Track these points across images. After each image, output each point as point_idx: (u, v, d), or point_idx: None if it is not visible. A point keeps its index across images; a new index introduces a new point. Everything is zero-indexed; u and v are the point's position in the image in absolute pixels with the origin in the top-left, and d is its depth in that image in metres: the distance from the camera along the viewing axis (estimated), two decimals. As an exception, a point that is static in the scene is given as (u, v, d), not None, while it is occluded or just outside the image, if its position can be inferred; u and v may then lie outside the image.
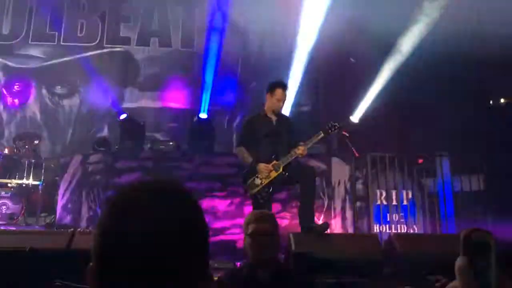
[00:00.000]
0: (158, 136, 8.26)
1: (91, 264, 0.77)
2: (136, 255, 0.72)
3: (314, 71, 8.14)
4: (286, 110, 4.79)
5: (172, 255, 0.73)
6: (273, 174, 4.38)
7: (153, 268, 0.72)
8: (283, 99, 4.59)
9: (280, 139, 4.60)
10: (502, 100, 7.92)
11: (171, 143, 7.38)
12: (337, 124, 4.50)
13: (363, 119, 7.67)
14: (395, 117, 7.56)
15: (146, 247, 0.72)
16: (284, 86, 4.60)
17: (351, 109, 7.79)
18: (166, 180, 0.83)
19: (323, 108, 8.12)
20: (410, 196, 7.41)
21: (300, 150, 4.32)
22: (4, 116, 8.35)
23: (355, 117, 7.68)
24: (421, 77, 7.54)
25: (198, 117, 8.02)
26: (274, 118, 4.67)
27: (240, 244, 6.23)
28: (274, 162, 4.40)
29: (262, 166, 4.38)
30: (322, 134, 4.45)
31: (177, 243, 0.74)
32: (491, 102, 7.99)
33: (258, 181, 4.41)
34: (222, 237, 6.47)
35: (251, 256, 2.51)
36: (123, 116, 7.77)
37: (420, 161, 7.63)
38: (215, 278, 2.58)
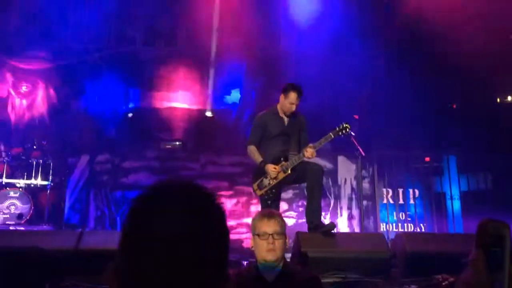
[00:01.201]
0: (165, 136, 8.29)
1: (112, 263, 0.78)
2: (161, 256, 0.73)
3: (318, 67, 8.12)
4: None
5: (196, 257, 0.75)
6: (281, 176, 4.39)
7: (177, 269, 0.73)
8: (296, 104, 4.56)
9: (290, 139, 4.59)
10: (509, 98, 7.87)
11: (177, 143, 7.41)
12: (348, 126, 4.46)
13: (369, 117, 7.65)
14: (402, 116, 7.53)
15: (171, 249, 0.74)
16: (299, 91, 4.53)
17: (355, 107, 7.77)
18: (191, 183, 0.84)
19: (328, 105, 8.10)
20: (417, 195, 7.39)
21: (309, 152, 4.31)
22: (13, 117, 8.41)
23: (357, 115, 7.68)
24: (429, 75, 7.51)
25: (204, 116, 8.04)
26: (286, 118, 4.65)
27: (247, 243, 6.25)
28: (283, 163, 4.40)
29: (270, 167, 4.38)
30: (332, 136, 4.43)
31: (202, 245, 0.76)
32: (498, 100, 7.95)
33: (266, 182, 4.42)
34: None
35: (258, 255, 2.52)
36: (130, 114, 7.82)
37: (427, 159, 7.61)
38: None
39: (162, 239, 0.74)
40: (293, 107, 4.55)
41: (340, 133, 4.43)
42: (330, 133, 4.42)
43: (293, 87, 4.53)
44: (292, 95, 4.49)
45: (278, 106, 4.67)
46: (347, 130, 4.44)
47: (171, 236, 0.74)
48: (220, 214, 0.82)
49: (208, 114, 8.03)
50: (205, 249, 0.76)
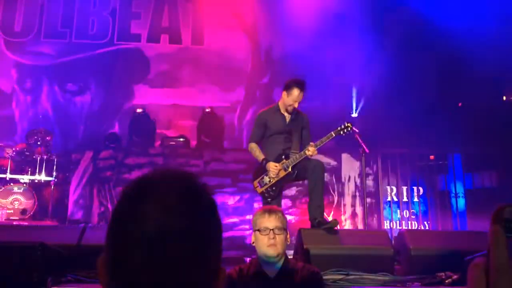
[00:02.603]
0: (169, 133, 8.29)
1: (102, 255, 0.76)
2: (149, 247, 0.70)
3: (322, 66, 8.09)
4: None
5: (186, 248, 0.72)
6: (282, 174, 4.37)
7: (166, 260, 0.70)
8: (298, 100, 4.46)
9: (291, 137, 4.53)
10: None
11: (181, 139, 7.41)
12: (350, 125, 4.42)
13: (373, 115, 7.63)
14: (407, 113, 7.50)
15: (159, 238, 0.71)
16: (301, 87, 4.43)
17: (358, 105, 7.76)
18: (182, 172, 0.81)
19: (330, 104, 8.07)
20: (421, 192, 7.36)
21: (310, 151, 4.27)
22: (17, 113, 8.45)
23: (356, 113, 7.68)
24: (433, 72, 7.47)
25: (208, 112, 8.03)
26: (287, 115, 4.58)
27: (249, 240, 6.25)
28: (284, 161, 4.38)
29: (271, 165, 4.35)
30: (334, 135, 4.40)
31: (192, 236, 0.73)
32: (504, 97, 7.89)
33: (267, 179, 4.40)
34: (231, 233, 6.50)
35: (259, 251, 2.51)
36: (139, 110, 7.82)
37: (432, 157, 7.57)
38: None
39: (151, 231, 0.71)
40: (296, 104, 4.47)
41: (341, 132, 4.41)
42: (332, 132, 4.39)
43: (296, 83, 4.45)
44: (295, 92, 4.41)
45: (280, 103, 4.60)
46: (349, 129, 4.41)
47: (160, 229, 0.71)
48: (212, 205, 0.79)
49: (207, 109, 8.01)
50: (197, 241, 0.73)
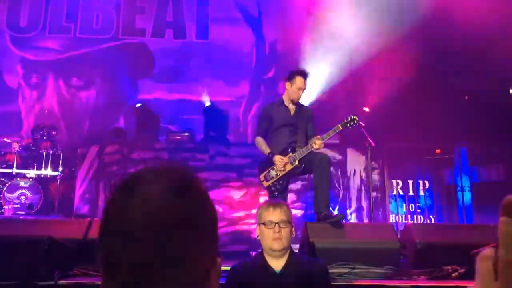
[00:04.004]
0: (174, 128, 8.30)
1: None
2: (137, 239, 0.69)
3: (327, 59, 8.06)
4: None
5: (175, 238, 0.70)
6: (288, 167, 4.35)
7: (153, 252, 0.69)
8: (303, 88, 4.46)
9: (297, 130, 4.52)
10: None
11: (186, 134, 7.41)
12: (356, 118, 4.41)
13: (379, 109, 7.59)
14: (413, 107, 7.46)
15: (147, 228, 0.70)
16: (304, 74, 4.44)
17: (364, 99, 7.72)
18: (172, 165, 0.79)
19: (337, 97, 8.04)
20: (427, 186, 7.33)
21: (317, 144, 4.26)
22: (23, 108, 8.49)
23: (367, 107, 7.62)
24: (439, 65, 7.42)
25: (214, 107, 8.04)
26: (292, 107, 4.57)
27: (255, 234, 6.25)
28: (290, 154, 4.37)
29: (278, 158, 4.34)
30: (340, 128, 4.39)
31: (178, 229, 0.71)
32: (511, 90, 7.83)
33: (273, 173, 4.39)
34: (237, 227, 6.50)
35: (264, 244, 2.51)
36: (138, 105, 7.85)
37: (438, 151, 7.54)
38: (228, 268, 2.59)
39: (137, 227, 0.69)
40: (301, 93, 4.48)
41: (348, 125, 4.40)
42: (339, 125, 4.38)
43: (298, 72, 4.46)
44: (299, 80, 4.42)
45: (284, 96, 4.60)
46: (355, 121, 4.41)
47: (146, 223, 0.70)
48: (200, 197, 0.77)
49: (208, 104, 8.02)
50: (183, 234, 0.71)
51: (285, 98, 4.59)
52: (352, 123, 4.41)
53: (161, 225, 0.70)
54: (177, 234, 0.71)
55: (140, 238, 0.70)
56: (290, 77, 4.49)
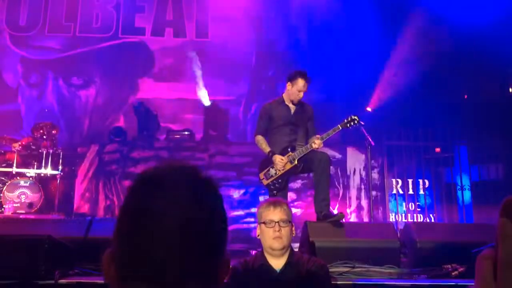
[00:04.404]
0: (174, 126, 8.30)
1: (109, 250, 0.76)
2: (169, 241, 0.71)
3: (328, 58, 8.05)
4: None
5: (194, 239, 0.73)
6: (288, 166, 4.37)
7: (175, 251, 0.71)
8: (303, 90, 4.47)
9: (297, 128, 4.54)
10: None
11: (186, 133, 7.42)
12: (356, 118, 4.42)
13: (379, 108, 7.59)
14: (412, 106, 7.46)
15: (169, 230, 0.72)
16: (306, 78, 4.46)
17: (365, 99, 7.71)
18: (186, 165, 0.82)
19: (338, 97, 8.03)
20: (427, 185, 7.34)
21: (317, 144, 4.28)
22: (23, 107, 8.48)
23: (370, 107, 7.61)
24: (439, 64, 7.42)
25: (213, 106, 8.04)
26: (292, 106, 4.58)
27: (255, 233, 6.26)
28: (290, 153, 4.38)
29: (277, 158, 4.36)
30: (340, 128, 4.41)
31: (201, 227, 0.74)
32: (510, 89, 7.83)
33: (273, 172, 4.41)
34: (237, 225, 6.51)
35: (265, 243, 2.51)
36: (138, 104, 7.85)
37: (438, 149, 7.54)
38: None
39: (170, 226, 0.72)
40: (301, 95, 4.49)
41: (348, 125, 4.42)
42: (339, 125, 4.41)
43: (300, 74, 4.46)
44: (300, 82, 4.42)
45: (285, 95, 4.61)
46: (355, 122, 4.42)
47: (178, 222, 0.72)
48: (220, 196, 0.80)
49: (207, 103, 8.02)
50: (210, 232, 0.75)
51: (285, 97, 4.60)
52: (352, 123, 4.42)
53: (189, 223, 0.73)
54: (203, 231, 0.74)
55: (171, 235, 0.72)
56: (292, 78, 4.49)
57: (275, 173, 4.39)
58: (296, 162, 4.35)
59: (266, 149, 4.48)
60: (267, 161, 4.46)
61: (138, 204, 0.75)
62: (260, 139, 4.58)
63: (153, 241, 0.71)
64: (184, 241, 0.72)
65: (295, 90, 4.46)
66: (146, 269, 0.71)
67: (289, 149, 4.41)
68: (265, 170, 4.45)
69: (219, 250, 0.77)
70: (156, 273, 0.71)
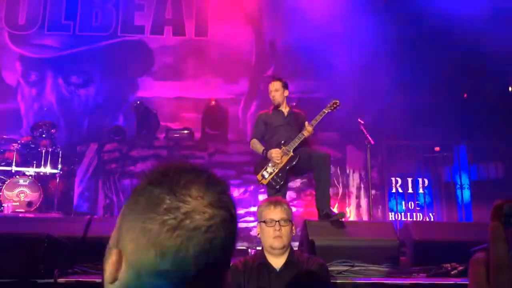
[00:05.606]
0: (173, 125, 8.29)
1: (119, 248, 0.75)
2: (199, 239, 0.73)
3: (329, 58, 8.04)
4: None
5: (224, 237, 0.75)
6: (285, 159, 4.45)
7: (211, 249, 0.73)
8: (272, 91, 4.75)
9: (291, 128, 4.69)
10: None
11: (185, 132, 7.41)
12: (337, 101, 4.63)
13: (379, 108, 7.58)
14: (412, 104, 7.45)
15: (207, 230, 0.73)
16: (270, 80, 4.85)
17: (365, 98, 7.70)
18: (198, 165, 0.83)
19: (338, 96, 8.02)
20: (426, 184, 7.34)
21: (308, 130, 4.44)
22: (22, 106, 8.47)
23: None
24: (438, 63, 7.42)
25: (212, 105, 8.03)
26: (285, 110, 4.79)
27: (255, 232, 6.26)
28: (283, 147, 4.47)
29: (273, 152, 4.48)
30: (325, 112, 4.59)
31: (229, 226, 0.76)
32: (510, 88, 7.83)
33: (270, 169, 4.47)
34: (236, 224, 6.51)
35: (265, 242, 2.51)
36: (137, 102, 7.85)
37: (437, 148, 7.54)
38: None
39: (199, 224, 0.73)
40: (276, 96, 4.72)
41: (332, 107, 4.60)
42: (324, 110, 4.58)
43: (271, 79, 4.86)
44: (269, 87, 4.79)
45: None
46: (337, 105, 4.61)
47: (208, 221, 0.74)
48: (234, 203, 0.82)
49: (213, 102, 8.02)
50: (231, 230, 0.77)
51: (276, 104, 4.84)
52: (335, 106, 4.61)
53: (216, 221, 0.75)
54: (226, 229, 0.76)
55: (200, 233, 0.73)
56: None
57: (273, 169, 4.45)
58: (291, 153, 4.45)
59: (260, 149, 4.63)
60: (263, 161, 4.55)
61: (163, 204, 0.77)
62: (254, 141, 4.76)
63: (181, 239, 0.73)
64: (210, 239, 0.74)
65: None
66: (173, 266, 0.72)
67: (282, 144, 4.51)
68: (263, 169, 4.52)
69: (234, 247, 0.80)
70: (183, 268, 0.73)
